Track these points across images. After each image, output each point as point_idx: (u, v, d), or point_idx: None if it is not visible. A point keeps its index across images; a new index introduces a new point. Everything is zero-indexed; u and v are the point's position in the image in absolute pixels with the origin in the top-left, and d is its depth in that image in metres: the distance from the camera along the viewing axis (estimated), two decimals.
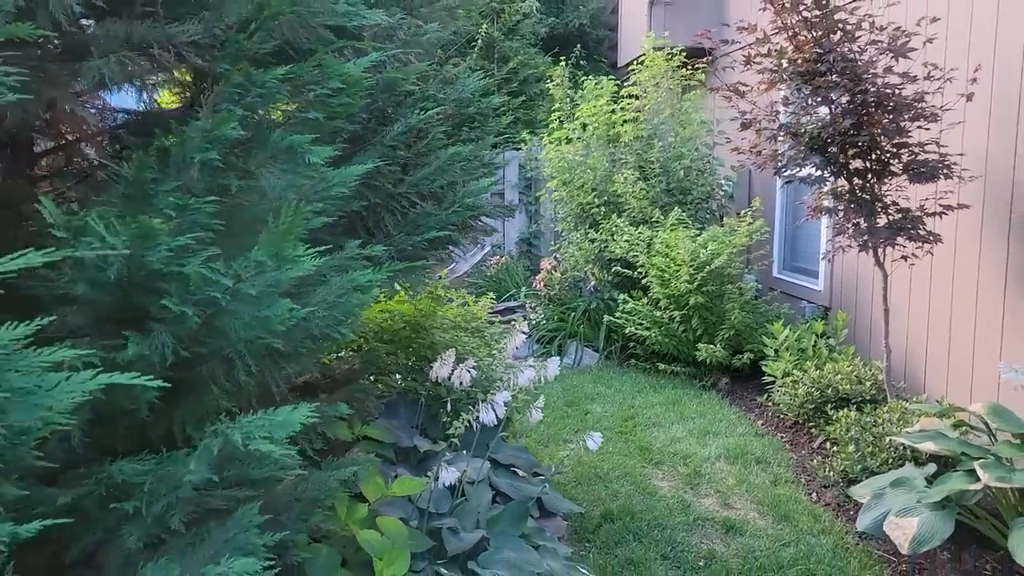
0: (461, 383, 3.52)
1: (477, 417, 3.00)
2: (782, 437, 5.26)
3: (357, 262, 1.87)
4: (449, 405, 3.82)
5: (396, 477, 2.87)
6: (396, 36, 2.52)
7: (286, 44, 1.74)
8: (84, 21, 1.85)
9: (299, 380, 3.52)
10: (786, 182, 4.66)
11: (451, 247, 3.01)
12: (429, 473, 2.98)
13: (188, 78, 2.15)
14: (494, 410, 3.01)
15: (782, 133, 4.32)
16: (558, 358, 3.56)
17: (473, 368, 3.55)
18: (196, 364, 1.66)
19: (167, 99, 2.65)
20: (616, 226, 6.86)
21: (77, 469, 1.43)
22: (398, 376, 4.15)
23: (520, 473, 3.95)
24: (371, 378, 4.05)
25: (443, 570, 2.81)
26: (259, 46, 1.59)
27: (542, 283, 7.70)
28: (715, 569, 3.59)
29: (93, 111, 2.67)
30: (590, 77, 8.03)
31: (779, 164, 4.35)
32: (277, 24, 1.64)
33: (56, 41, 1.44)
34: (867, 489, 3.71)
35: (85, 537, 1.40)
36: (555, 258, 7.96)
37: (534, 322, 7.50)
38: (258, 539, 1.33)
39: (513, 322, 4.25)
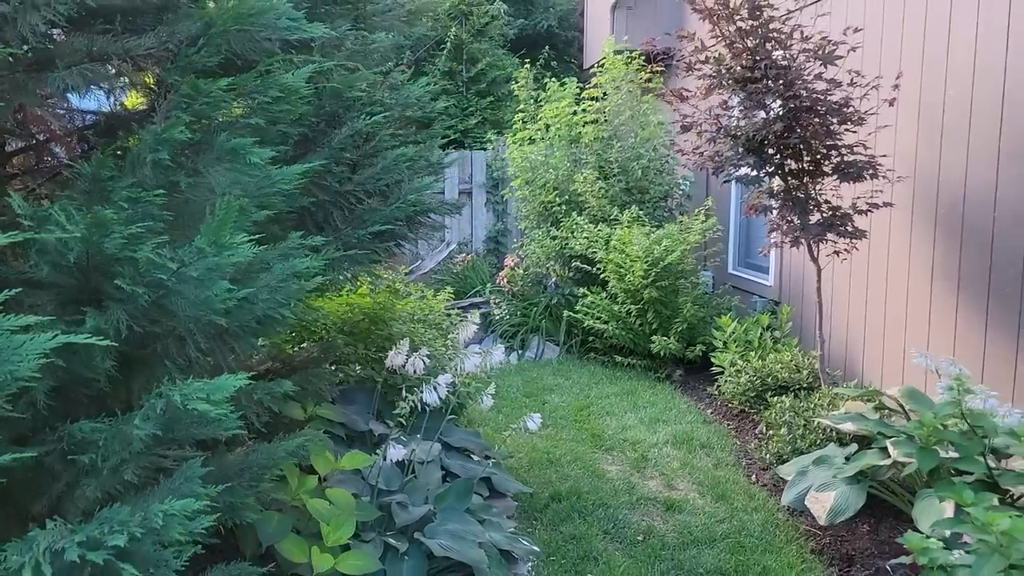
0: (415, 371, 3.73)
1: (421, 398, 3.22)
2: (728, 424, 5.53)
3: (300, 251, 2.08)
4: (404, 392, 4.04)
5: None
6: (344, 46, 2.73)
7: (233, 56, 1.95)
8: (53, 30, 2.05)
9: (260, 368, 3.73)
10: (724, 182, 4.92)
11: (400, 242, 3.22)
12: (379, 451, 3.20)
13: (152, 83, 2.35)
14: (436, 391, 3.23)
15: (721, 135, 4.58)
16: (503, 346, 3.77)
17: (427, 357, 3.76)
18: (151, 341, 1.88)
19: (135, 101, 2.85)
20: (576, 224, 7.11)
21: (43, 431, 1.63)
22: (357, 366, 4.36)
23: (474, 456, 4.18)
24: (331, 366, 4.26)
25: (391, 540, 3.04)
26: (207, 59, 1.80)
27: (506, 279, 7.93)
28: (652, 543, 3.84)
29: (62, 112, 2.87)
30: (554, 79, 8.26)
31: (717, 165, 4.61)
32: (224, 39, 1.85)
33: (25, 53, 1.64)
34: (793, 467, 3.98)
35: (51, 488, 1.61)
36: (518, 255, 8.19)
37: (498, 317, 7.72)
38: (201, 489, 1.53)
39: (470, 314, 4.48)
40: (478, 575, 3.09)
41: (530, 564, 3.53)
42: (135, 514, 1.36)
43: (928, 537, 2.31)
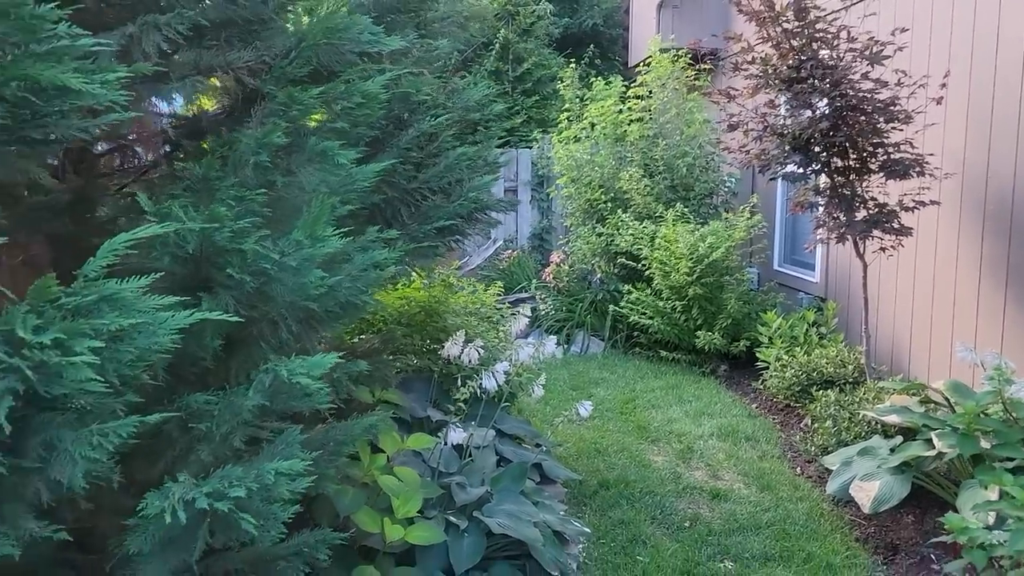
0: (470, 361, 3.90)
1: (481, 385, 3.39)
2: (773, 418, 5.62)
3: (377, 244, 2.26)
4: (460, 381, 4.23)
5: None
6: (410, 54, 2.92)
7: (320, 67, 2.14)
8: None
9: None
10: (770, 179, 5.01)
11: (459, 237, 3.40)
12: (440, 434, 3.38)
13: (231, 89, 2.56)
14: (495, 377, 3.40)
15: (767, 134, 4.68)
16: (555, 338, 3.93)
17: (481, 347, 3.93)
18: (249, 325, 2.08)
19: (207, 104, 3.07)
20: (621, 221, 7.24)
21: (161, 402, 1.84)
22: (414, 357, 4.55)
23: (525, 444, 4.35)
24: (390, 356, 4.46)
25: (452, 518, 3.22)
26: (297, 70, 1.99)
27: (551, 275, 8.08)
28: (699, 529, 3.97)
29: (152, 117, 3.11)
30: (599, 78, 8.39)
31: (764, 163, 4.71)
32: (314, 52, 2.05)
33: (148, 66, 1.85)
34: (837, 458, 4.08)
35: (166, 453, 1.81)
36: (564, 251, 8.34)
37: (543, 312, 7.88)
38: (300, 453, 1.72)
39: (519, 308, 4.65)
40: (533, 552, 3.25)
41: (581, 545, 3.69)
42: (248, 473, 1.55)
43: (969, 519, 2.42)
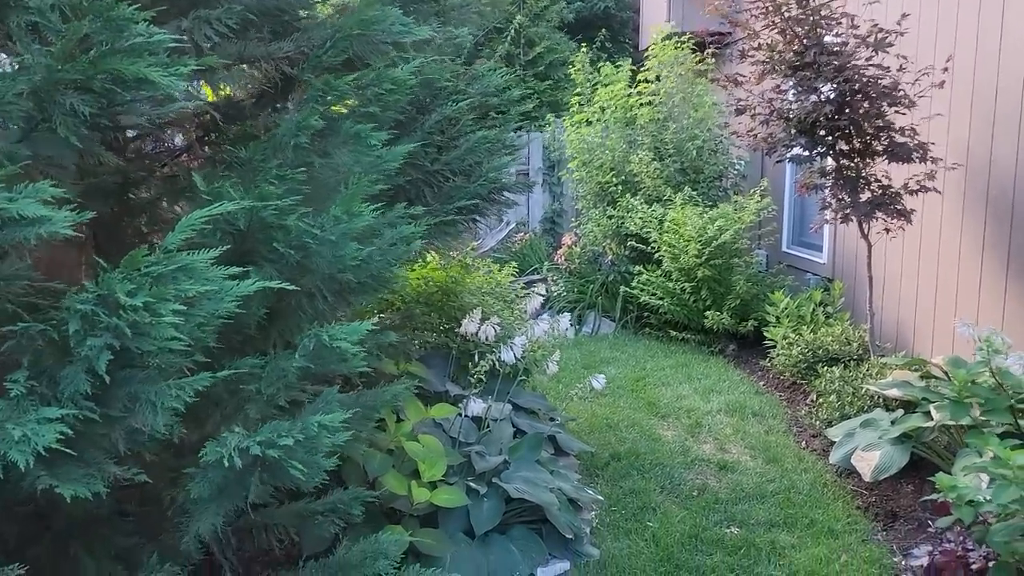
0: (487, 338, 4.07)
1: (499, 358, 3.56)
2: (780, 395, 5.77)
3: (404, 220, 2.42)
4: (477, 357, 4.40)
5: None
6: (433, 43, 3.06)
7: (354, 56, 2.30)
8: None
9: None
10: (777, 162, 5.14)
11: (477, 218, 3.56)
12: (459, 406, 3.56)
13: (271, 76, 2.72)
14: (512, 351, 3.57)
15: (774, 118, 4.80)
16: (568, 316, 4.08)
17: (497, 325, 4.10)
18: (288, 296, 2.25)
19: (226, 91, 3.22)
20: (630, 205, 7.37)
21: (211, 366, 2.01)
22: (433, 334, 4.72)
23: (539, 417, 4.53)
24: (411, 332, 4.64)
25: (472, 484, 3.40)
26: (332, 59, 2.14)
27: (563, 257, 8.24)
28: (706, 498, 4.14)
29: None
30: (609, 61, 8.50)
31: (770, 146, 4.83)
32: (349, 43, 2.20)
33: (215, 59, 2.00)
34: (840, 430, 4.23)
35: (215, 413, 1.99)
36: (575, 234, 8.48)
37: (555, 294, 8.04)
38: (339, 409, 1.89)
39: (534, 288, 4.80)
40: (549, 517, 3.44)
41: (594, 512, 3.86)
42: (295, 426, 1.72)
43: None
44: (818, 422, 4.84)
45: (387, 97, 2.22)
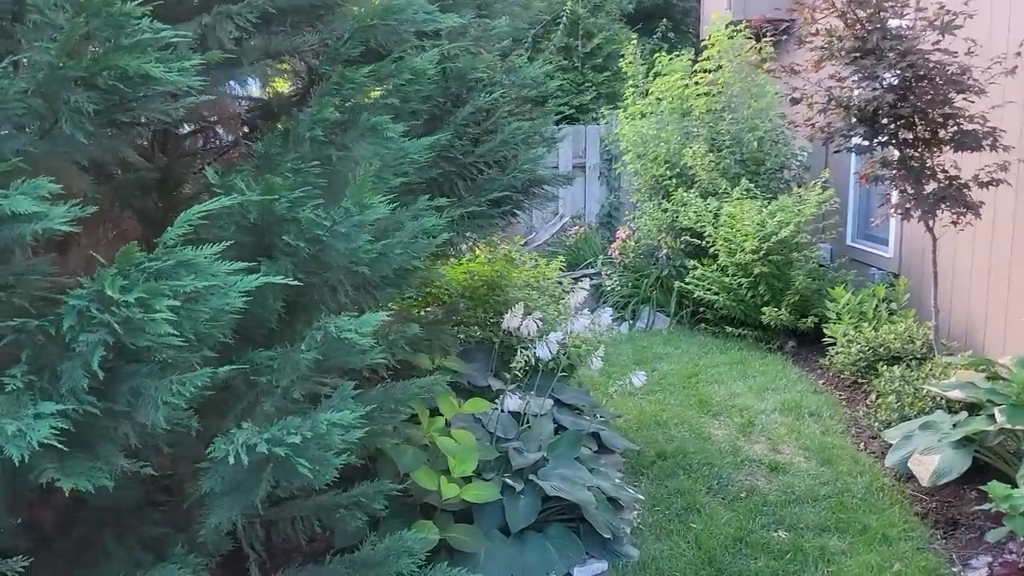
0: (529, 333, 4.02)
1: (534, 353, 3.51)
2: (839, 394, 5.56)
3: (428, 212, 2.39)
4: (519, 352, 4.36)
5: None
6: (468, 33, 3.03)
7: (377, 46, 2.28)
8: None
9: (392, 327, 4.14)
10: (835, 151, 4.92)
11: (516, 211, 3.51)
12: (497, 401, 3.52)
13: (301, 71, 2.72)
14: (548, 347, 3.51)
15: (832, 106, 4.61)
16: (610, 310, 4.00)
17: (539, 320, 4.04)
18: (310, 290, 2.24)
19: (282, 86, 3.25)
20: (684, 199, 7.21)
21: (230, 360, 2.02)
22: (477, 328, 4.70)
23: (584, 414, 4.46)
24: (454, 328, 4.63)
25: (508, 480, 3.36)
26: (351, 50, 2.12)
27: (617, 251, 8.12)
28: (754, 500, 4.01)
29: (227, 100, 3.31)
30: (669, 52, 8.31)
31: (828, 136, 4.64)
32: (371, 32, 2.18)
33: (221, 55, 2.01)
34: (898, 432, 4.05)
35: (236, 406, 1.99)
36: (630, 227, 8.35)
37: (609, 288, 7.93)
38: (352, 406, 1.87)
39: (578, 283, 4.73)
40: (586, 515, 3.37)
41: (636, 512, 3.78)
42: (305, 423, 1.70)
43: (1015, 487, 2.41)
44: (876, 423, 4.64)
45: (407, 88, 2.19)
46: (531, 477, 3.39)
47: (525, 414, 3.86)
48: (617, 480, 3.80)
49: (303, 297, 2.23)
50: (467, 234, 3.10)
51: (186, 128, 3.25)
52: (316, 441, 1.69)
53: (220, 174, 1.84)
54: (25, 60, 1.50)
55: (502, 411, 3.57)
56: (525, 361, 3.54)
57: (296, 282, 1.75)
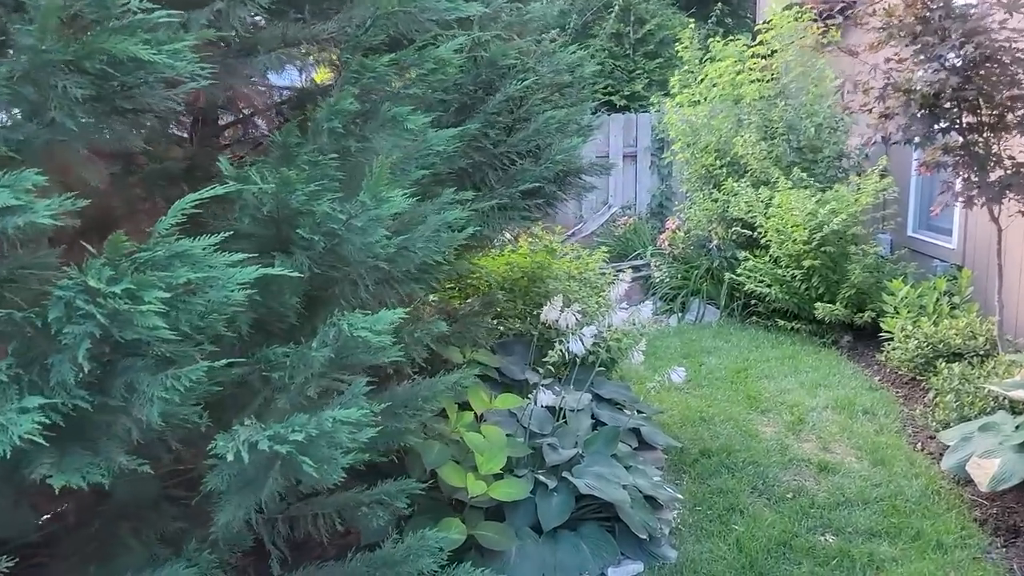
0: (568, 325, 3.93)
1: (567, 348, 3.43)
2: (896, 392, 5.34)
3: (453, 205, 2.32)
4: (558, 345, 4.27)
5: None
6: (499, 18, 2.94)
7: (399, 35, 2.21)
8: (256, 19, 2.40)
9: (429, 319, 4.09)
10: (892, 143, 4.68)
11: (552, 202, 3.41)
12: (530, 395, 3.45)
13: (336, 61, 2.68)
14: (582, 341, 3.42)
15: (890, 90, 4.39)
16: (650, 304, 3.88)
17: (578, 312, 3.95)
18: (331, 285, 2.20)
19: (323, 76, 3.21)
20: (734, 188, 7.01)
21: (247, 355, 1.99)
22: (516, 320, 4.63)
23: (625, 409, 4.35)
24: (493, 320, 4.57)
25: (541, 477, 3.29)
26: (372, 38, 2.06)
27: (667, 242, 7.95)
28: (801, 501, 3.86)
29: (263, 89, 3.29)
30: (716, 38, 8.08)
31: (887, 122, 4.43)
32: (392, 20, 2.12)
33: (234, 39, 1.97)
34: (956, 433, 3.85)
35: (253, 402, 1.96)
36: (679, 218, 8.17)
37: (658, 280, 7.78)
38: (363, 403, 1.82)
39: (621, 273, 4.62)
40: (621, 515, 3.28)
41: (676, 511, 3.67)
42: (311, 420, 1.66)
43: None
44: (934, 423, 4.43)
45: (430, 77, 2.12)
46: (565, 475, 3.32)
47: (562, 409, 3.79)
48: (656, 478, 3.70)
49: (324, 292, 2.19)
50: (499, 226, 3.02)
51: (225, 119, 3.25)
52: (324, 439, 1.64)
53: (235, 165, 1.80)
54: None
55: (536, 404, 3.49)
56: (560, 355, 3.46)
57: (300, 275, 1.70)
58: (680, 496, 3.70)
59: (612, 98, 10.73)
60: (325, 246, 1.86)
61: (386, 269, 2.16)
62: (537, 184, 3.02)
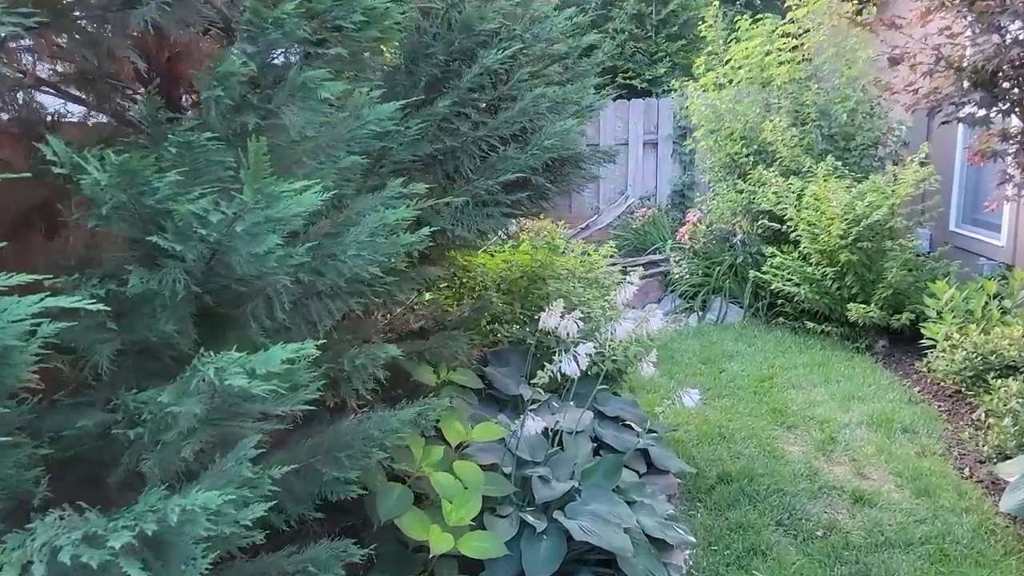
0: (568, 334, 3.43)
1: (559, 369, 2.94)
2: (939, 406, 4.79)
3: (400, 201, 1.84)
4: (554, 358, 3.78)
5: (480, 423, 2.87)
6: None
7: None
8: None
9: (414, 326, 3.61)
10: (942, 123, 4.11)
11: (543, 194, 2.91)
12: (517, 421, 2.96)
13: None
14: (576, 361, 2.92)
15: (940, 67, 3.83)
16: (660, 311, 3.36)
17: (580, 320, 3.45)
18: (241, 302, 1.72)
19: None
20: (763, 178, 6.45)
21: (112, 400, 1.51)
22: (515, 325, 4.14)
23: (634, 428, 3.84)
24: (489, 326, 4.08)
25: (528, 517, 2.80)
26: None
27: (687, 236, 7.40)
28: (833, 541, 3.35)
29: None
30: (743, 16, 7.49)
31: (934, 104, 3.87)
32: None
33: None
34: (1017, 467, 3.30)
35: (122, 460, 1.49)
36: (701, 210, 7.62)
37: (677, 276, 7.24)
38: (249, 472, 1.34)
39: (630, 274, 4.11)
40: (622, 564, 2.79)
41: (688, 552, 3.17)
42: (155, 508, 1.18)
43: None
44: (987, 448, 3.88)
45: (359, 34, 1.62)
46: (555, 515, 2.82)
47: (559, 431, 3.29)
48: (667, 513, 3.19)
49: (233, 310, 1.72)
50: (475, 224, 2.51)
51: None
52: (172, 534, 1.17)
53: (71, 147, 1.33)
54: None
55: (520, 432, 2.99)
56: (552, 377, 2.96)
57: (94, 306, 1.19)
58: (692, 540, 3.18)
59: (633, 81, 10.16)
60: (198, 257, 1.38)
61: (309, 282, 1.67)
62: (523, 174, 2.51)
